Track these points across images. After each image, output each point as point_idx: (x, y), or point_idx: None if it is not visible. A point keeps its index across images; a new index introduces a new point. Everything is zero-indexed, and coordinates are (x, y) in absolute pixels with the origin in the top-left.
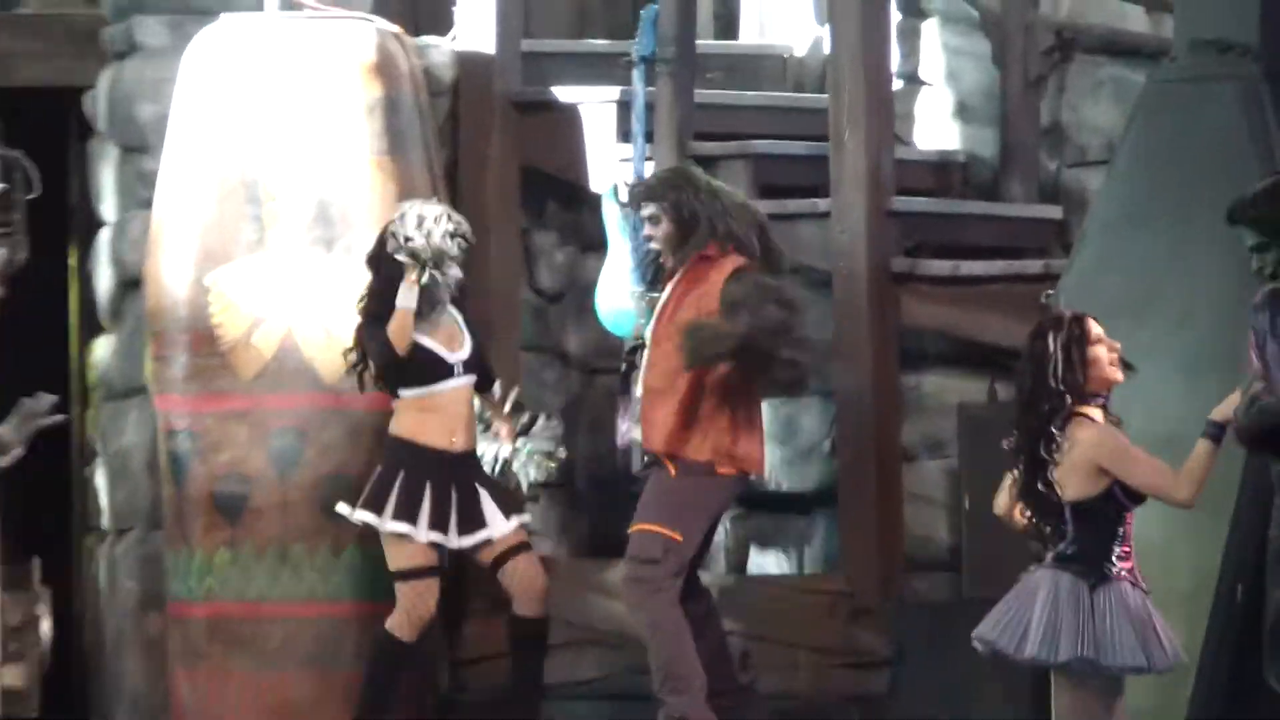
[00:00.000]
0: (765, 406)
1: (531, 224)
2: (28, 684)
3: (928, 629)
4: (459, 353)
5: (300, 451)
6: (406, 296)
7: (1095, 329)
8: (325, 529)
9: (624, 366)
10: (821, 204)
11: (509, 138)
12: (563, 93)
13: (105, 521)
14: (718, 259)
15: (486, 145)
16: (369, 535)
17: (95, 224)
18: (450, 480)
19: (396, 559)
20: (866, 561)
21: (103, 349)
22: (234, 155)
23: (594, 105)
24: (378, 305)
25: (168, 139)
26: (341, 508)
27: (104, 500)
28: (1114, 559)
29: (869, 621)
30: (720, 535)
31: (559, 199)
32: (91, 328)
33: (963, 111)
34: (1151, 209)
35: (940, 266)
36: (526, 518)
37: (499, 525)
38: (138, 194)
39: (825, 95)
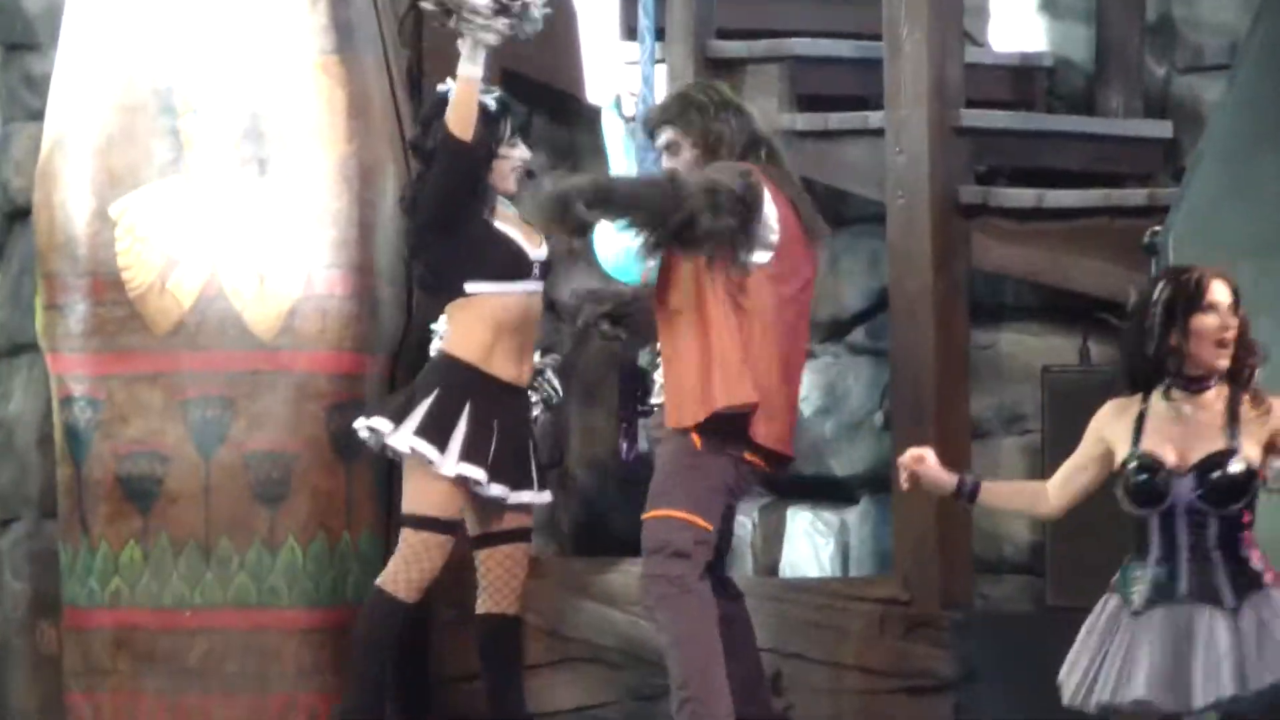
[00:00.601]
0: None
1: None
2: None
3: (1001, 645)
4: (539, 250)
5: (226, 424)
6: (467, 64)
7: (1217, 293)
8: (258, 520)
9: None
10: (873, 118)
11: None
12: None
13: None
14: None
15: (457, 44)
16: (311, 528)
17: None
18: (506, 417)
19: (413, 499)
20: (926, 562)
21: None
22: (144, 56)
23: None
24: (415, 191)
25: (62, 35)
26: (359, 422)
27: None
28: (1134, 574)
29: (929, 636)
30: (746, 529)
31: (548, 112)
32: None
33: (1049, 4)
34: None
35: (1021, 196)
36: (548, 495)
37: (540, 493)
38: (25, 103)
39: None
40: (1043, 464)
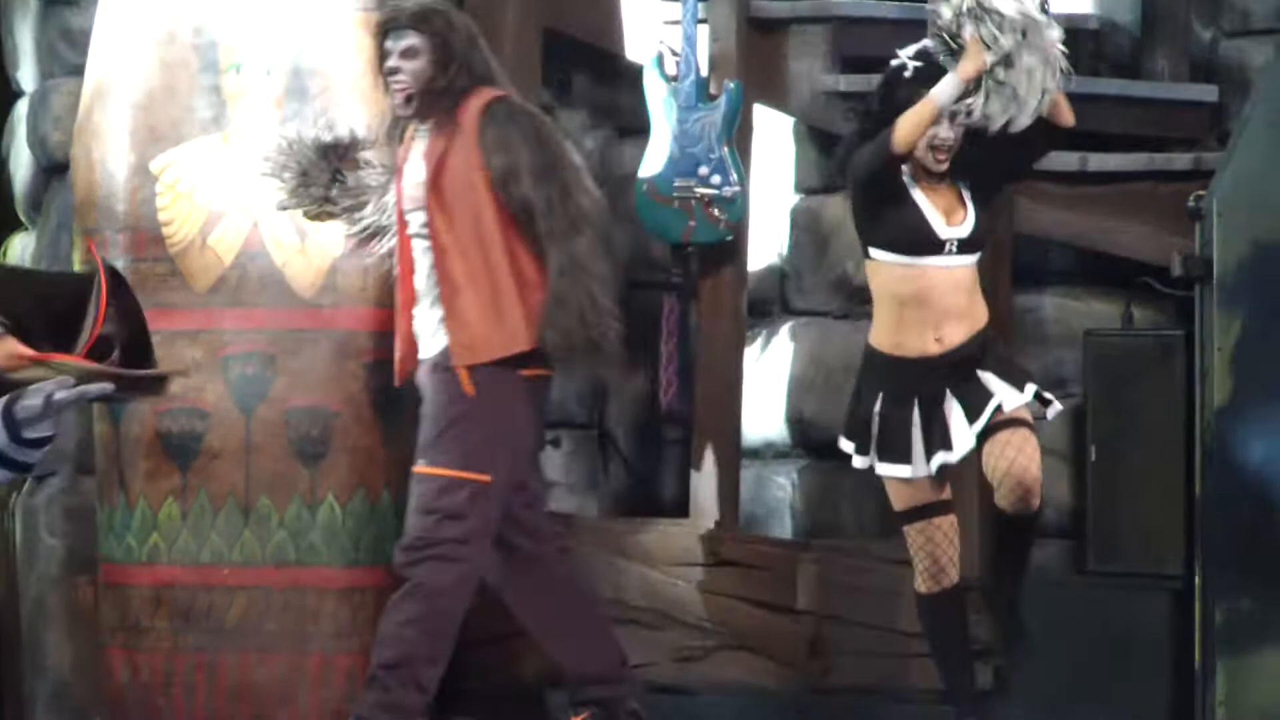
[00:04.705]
0: (840, 333)
1: (555, 101)
2: None
3: (1042, 611)
4: (955, 228)
5: (268, 381)
6: (945, 88)
7: None
8: (297, 477)
9: (672, 279)
10: None
11: None
12: None
13: None
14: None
15: (499, 1)
16: (350, 486)
17: (10, 94)
18: (943, 383)
19: (893, 498)
20: (964, 525)
21: (20, 250)
22: (186, 11)
23: None
24: (848, 150)
25: None
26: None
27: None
28: None
29: (969, 600)
30: (786, 491)
31: (589, 70)
32: (6, 223)
33: None
34: None
35: (1064, 160)
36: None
37: (1010, 398)
38: (64, 57)
39: None
40: (1084, 430)
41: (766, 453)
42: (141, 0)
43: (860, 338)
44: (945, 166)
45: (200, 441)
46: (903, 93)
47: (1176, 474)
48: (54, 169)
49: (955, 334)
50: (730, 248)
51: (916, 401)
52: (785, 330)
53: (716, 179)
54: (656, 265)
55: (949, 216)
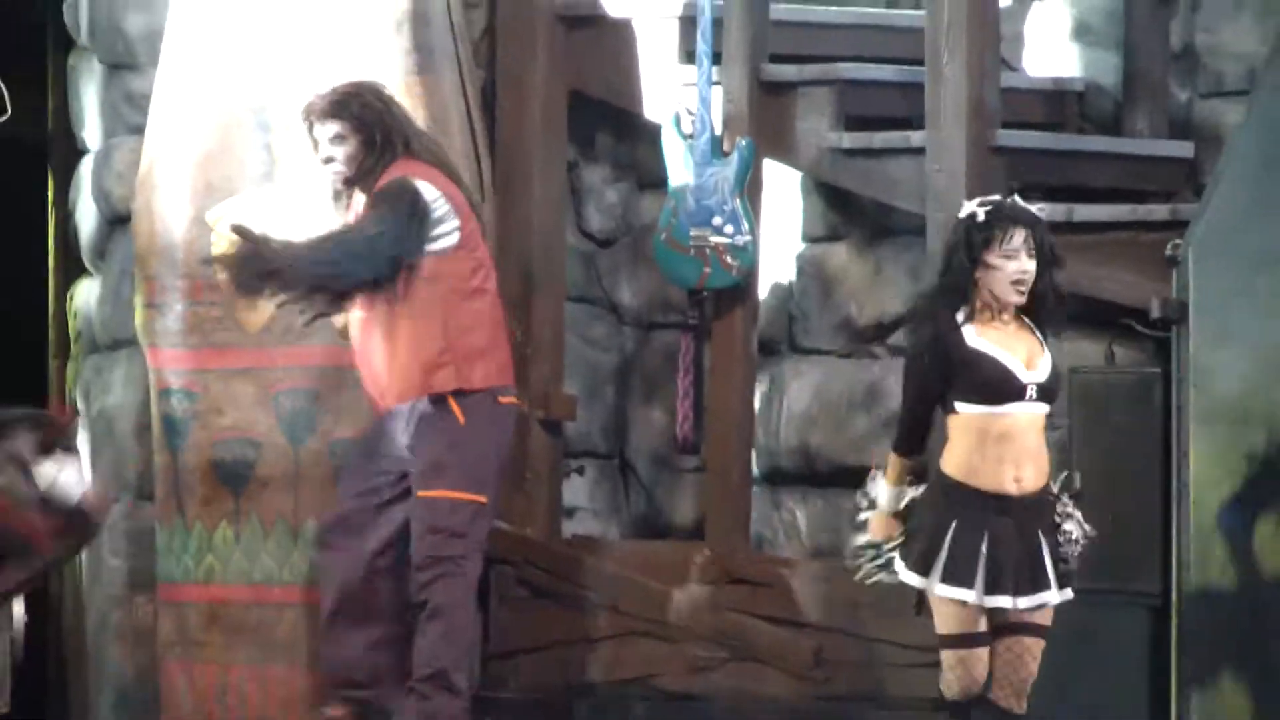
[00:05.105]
0: (844, 370)
1: (580, 157)
2: None
3: None
4: (1034, 373)
5: (313, 415)
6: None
7: None
8: None
9: (689, 321)
10: (915, 138)
11: (554, 57)
12: (616, 5)
13: None
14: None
15: (528, 65)
16: None
17: (77, 152)
18: (1013, 529)
19: (940, 619)
20: None
21: (86, 295)
22: (240, 75)
23: (652, 20)
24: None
25: (162, 54)
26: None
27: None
28: None
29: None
30: (796, 515)
31: (611, 128)
32: (72, 270)
33: (1081, 32)
34: None
35: (1052, 211)
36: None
37: (1054, 595)
38: (126, 118)
39: (921, 12)
40: (1070, 463)
41: (775, 479)
42: (199, 66)
43: (862, 375)
44: (1024, 299)
45: (252, 470)
46: (978, 237)
47: (1154, 499)
48: (117, 220)
49: (1031, 478)
50: (742, 292)
51: (986, 534)
52: (792, 367)
53: (730, 229)
54: (673, 308)
55: (1028, 361)
